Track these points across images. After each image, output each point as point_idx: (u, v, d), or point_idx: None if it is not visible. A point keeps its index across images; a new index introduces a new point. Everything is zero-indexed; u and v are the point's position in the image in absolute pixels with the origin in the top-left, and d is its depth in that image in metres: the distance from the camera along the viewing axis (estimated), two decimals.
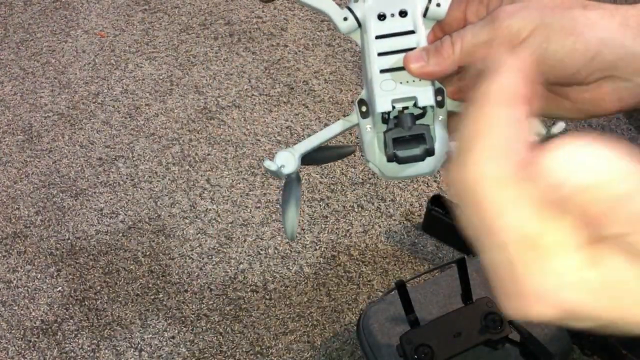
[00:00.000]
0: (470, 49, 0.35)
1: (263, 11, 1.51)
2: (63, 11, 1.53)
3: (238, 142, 1.26)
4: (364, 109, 0.40)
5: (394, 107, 0.38)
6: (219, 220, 1.15)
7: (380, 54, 0.39)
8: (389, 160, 0.38)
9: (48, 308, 1.06)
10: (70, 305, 1.06)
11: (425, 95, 0.38)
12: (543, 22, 0.34)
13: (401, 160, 0.37)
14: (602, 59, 0.35)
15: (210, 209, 1.16)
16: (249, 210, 1.16)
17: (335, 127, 0.42)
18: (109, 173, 1.22)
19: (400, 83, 0.38)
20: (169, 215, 1.16)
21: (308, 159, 0.44)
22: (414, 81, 0.38)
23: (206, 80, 1.37)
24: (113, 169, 1.23)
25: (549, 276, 0.22)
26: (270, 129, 1.28)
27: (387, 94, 0.38)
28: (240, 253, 1.11)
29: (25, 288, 1.08)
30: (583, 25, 0.34)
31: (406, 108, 0.38)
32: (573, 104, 0.37)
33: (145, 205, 1.18)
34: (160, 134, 1.28)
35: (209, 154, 1.24)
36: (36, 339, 1.03)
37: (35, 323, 1.05)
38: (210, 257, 1.11)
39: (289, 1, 1.52)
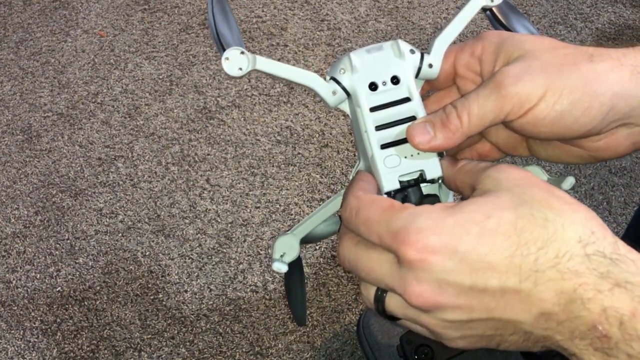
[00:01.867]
0: (479, 121, 0.34)
1: (263, 11, 1.51)
2: (62, 11, 1.53)
3: (238, 142, 1.26)
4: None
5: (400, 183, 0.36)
6: (219, 221, 1.15)
7: (378, 128, 0.36)
8: None
9: (47, 308, 1.06)
10: (70, 306, 1.06)
11: (433, 168, 0.36)
12: (553, 84, 0.33)
13: None
14: (616, 111, 0.34)
15: (209, 209, 1.16)
16: (248, 211, 1.16)
17: (333, 206, 0.40)
18: (109, 173, 1.22)
19: (405, 157, 0.36)
20: (168, 216, 1.16)
21: (305, 239, 0.42)
22: (418, 154, 0.36)
23: (206, 80, 1.37)
24: (112, 169, 1.23)
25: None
26: (270, 129, 1.28)
27: (392, 171, 0.35)
28: (240, 253, 1.11)
29: (25, 288, 1.08)
30: (594, 82, 0.33)
31: (410, 181, 0.36)
32: (586, 152, 0.37)
33: (145, 205, 1.17)
34: (159, 133, 1.28)
35: (208, 154, 1.24)
36: (35, 339, 1.03)
37: (34, 323, 1.04)
38: (210, 257, 1.10)
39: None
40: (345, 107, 0.39)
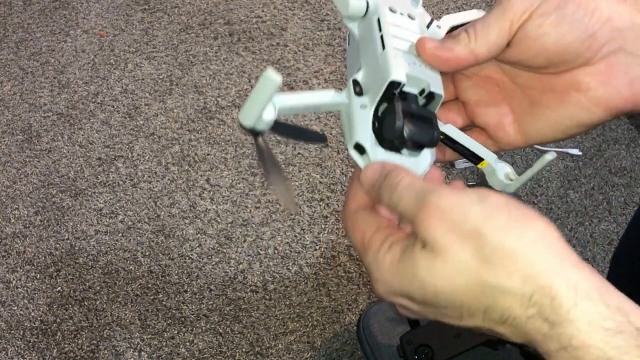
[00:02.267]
0: (485, 34, 0.35)
1: (263, 11, 1.51)
2: (62, 11, 1.53)
3: (238, 142, 1.26)
4: (357, 88, 0.36)
5: (403, 85, 0.34)
6: (219, 221, 1.15)
7: (394, 37, 0.36)
8: (388, 140, 0.34)
9: (47, 308, 1.06)
10: (70, 306, 1.06)
11: (438, 83, 0.36)
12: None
13: (403, 140, 0.34)
14: (612, 26, 0.35)
15: (209, 209, 1.16)
16: (248, 211, 1.16)
17: (326, 96, 0.36)
18: (109, 173, 1.22)
19: (415, 64, 0.35)
20: (168, 216, 1.16)
21: (280, 126, 0.36)
22: (423, 67, 0.36)
23: (206, 80, 1.37)
24: (112, 169, 1.23)
25: (378, 270, 0.33)
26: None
27: (403, 65, 0.34)
28: (240, 253, 1.11)
29: (25, 288, 1.08)
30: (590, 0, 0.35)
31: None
32: (585, 94, 0.36)
33: (145, 205, 1.17)
34: (159, 133, 1.28)
35: (208, 154, 1.24)
36: (35, 339, 1.03)
37: (34, 323, 1.04)
38: (210, 257, 1.10)
39: (289, 2, 1.52)
40: (355, 25, 0.39)
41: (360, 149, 0.34)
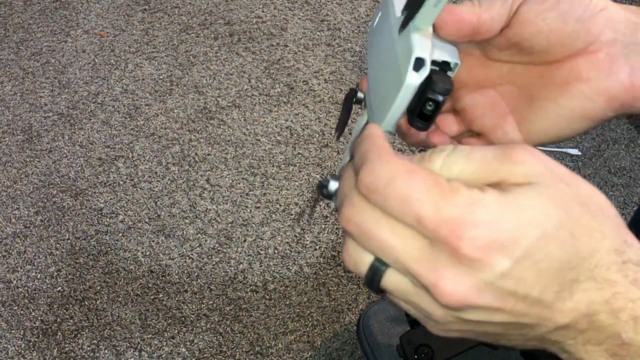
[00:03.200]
0: (490, 6, 0.36)
1: (263, 11, 1.51)
2: (63, 11, 1.53)
3: (238, 142, 1.26)
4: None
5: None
6: (219, 220, 1.15)
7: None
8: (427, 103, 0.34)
9: (48, 308, 1.06)
10: (70, 305, 1.06)
11: (454, 54, 0.37)
12: None
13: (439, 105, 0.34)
14: (608, 15, 0.36)
15: (210, 209, 1.16)
16: (248, 210, 1.16)
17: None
18: (109, 173, 1.22)
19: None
20: (168, 215, 1.16)
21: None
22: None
23: (206, 80, 1.37)
24: (113, 169, 1.23)
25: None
26: (270, 129, 1.28)
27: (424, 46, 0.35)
28: (240, 253, 1.11)
29: (25, 288, 1.08)
30: None
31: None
32: (587, 83, 0.36)
33: (145, 205, 1.18)
34: (160, 134, 1.28)
35: (208, 154, 1.24)
36: (36, 339, 1.03)
37: (35, 323, 1.04)
38: (210, 257, 1.11)
39: (290, 1, 1.52)
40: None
41: (420, 62, 0.34)
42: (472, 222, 0.27)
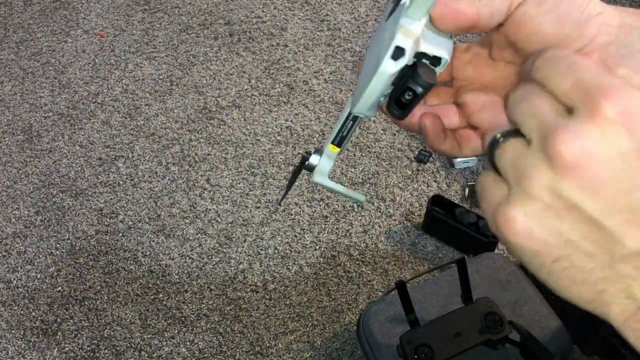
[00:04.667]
0: (490, 1, 0.36)
1: (263, 11, 1.51)
2: (63, 11, 1.53)
3: (238, 142, 1.26)
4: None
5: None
6: (219, 220, 1.15)
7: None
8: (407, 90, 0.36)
9: (48, 308, 1.06)
10: (70, 305, 1.06)
11: (449, 47, 0.37)
12: None
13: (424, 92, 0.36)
14: (603, 20, 0.37)
15: (210, 209, 1.16)
16: (248, 210, 1.16)
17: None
18: (109, 173, 1.22)
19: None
20: (168, 215, 1.16)
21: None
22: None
23: (206, 80, 1.37)
24: (113, 169, 1.23)
25: None
26: (270, 129, 1.28)
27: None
28: (240, 253, 1.11)
29: (25, 288, 1.08)
30: None
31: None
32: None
33: (145, 205, 1.18)
34: (160, 134, 1.28)
35: (208, 154, 1.24)
36: (36, 339, 1.03)
37: (35, 323, 1.04)
38: (210, 257, 1.11)
39: (290, 1, 1.52)
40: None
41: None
42: (629, 91, 0.27)
